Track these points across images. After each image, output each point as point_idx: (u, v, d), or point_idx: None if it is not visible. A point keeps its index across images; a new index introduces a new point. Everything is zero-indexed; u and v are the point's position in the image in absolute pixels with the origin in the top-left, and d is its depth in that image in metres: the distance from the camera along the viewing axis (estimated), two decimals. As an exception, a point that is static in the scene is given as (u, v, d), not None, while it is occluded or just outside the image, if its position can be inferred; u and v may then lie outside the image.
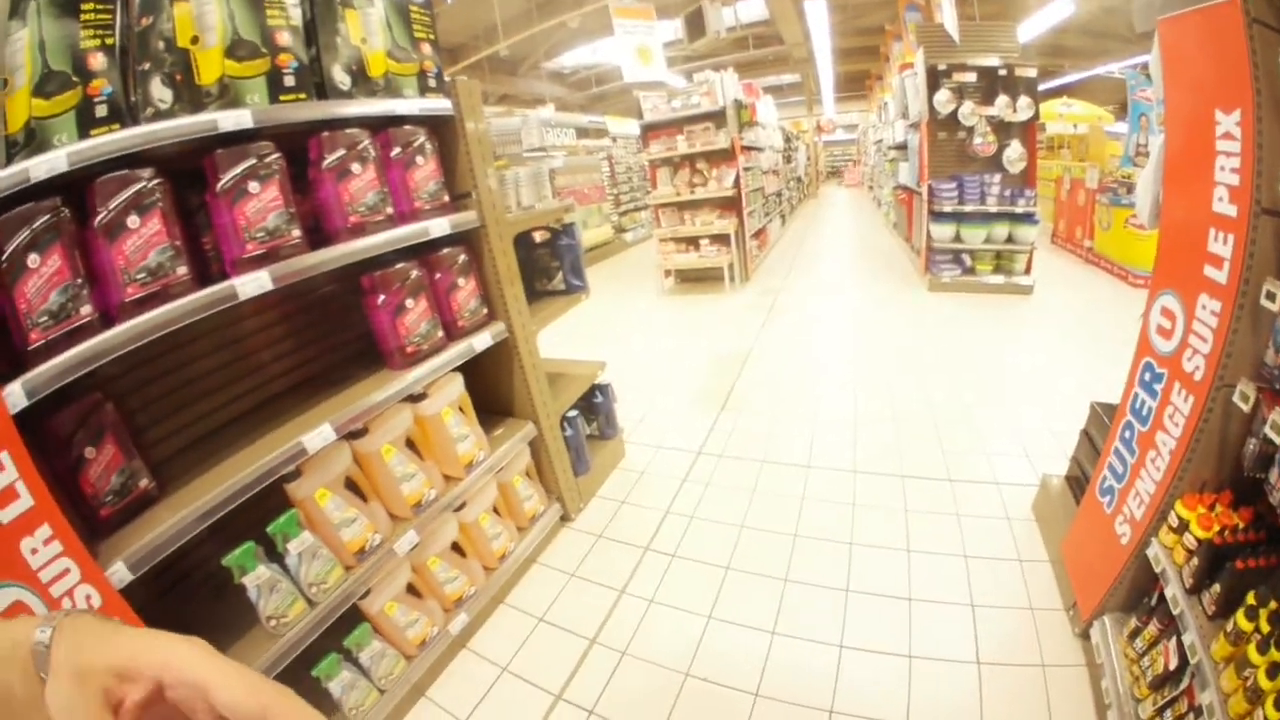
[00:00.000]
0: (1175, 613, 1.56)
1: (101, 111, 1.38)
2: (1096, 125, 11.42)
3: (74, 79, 1.34)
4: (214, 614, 1.82)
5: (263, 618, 1.67)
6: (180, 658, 0.43)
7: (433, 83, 2.18)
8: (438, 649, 2.19)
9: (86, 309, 1.37)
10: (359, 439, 2.00)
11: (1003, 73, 5.89)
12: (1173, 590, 1.58)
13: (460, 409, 2.34)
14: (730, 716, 1.97)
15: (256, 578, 1.63)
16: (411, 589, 2.13)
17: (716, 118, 7.21)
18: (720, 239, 7.47)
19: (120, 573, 1.38)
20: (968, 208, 6.21)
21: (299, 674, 1.75)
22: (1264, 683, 1.18)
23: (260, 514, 1.71)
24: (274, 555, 1.71)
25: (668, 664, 2.18)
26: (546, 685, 2.15)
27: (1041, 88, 6.17)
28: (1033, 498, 2.82)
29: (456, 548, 2.33)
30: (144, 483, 1.57)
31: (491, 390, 2.74)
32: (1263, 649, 1.23)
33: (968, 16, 7.05)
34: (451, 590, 2.28)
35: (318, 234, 1.90)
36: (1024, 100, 5.88)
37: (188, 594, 1.95)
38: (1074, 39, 13.02)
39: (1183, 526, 1.61)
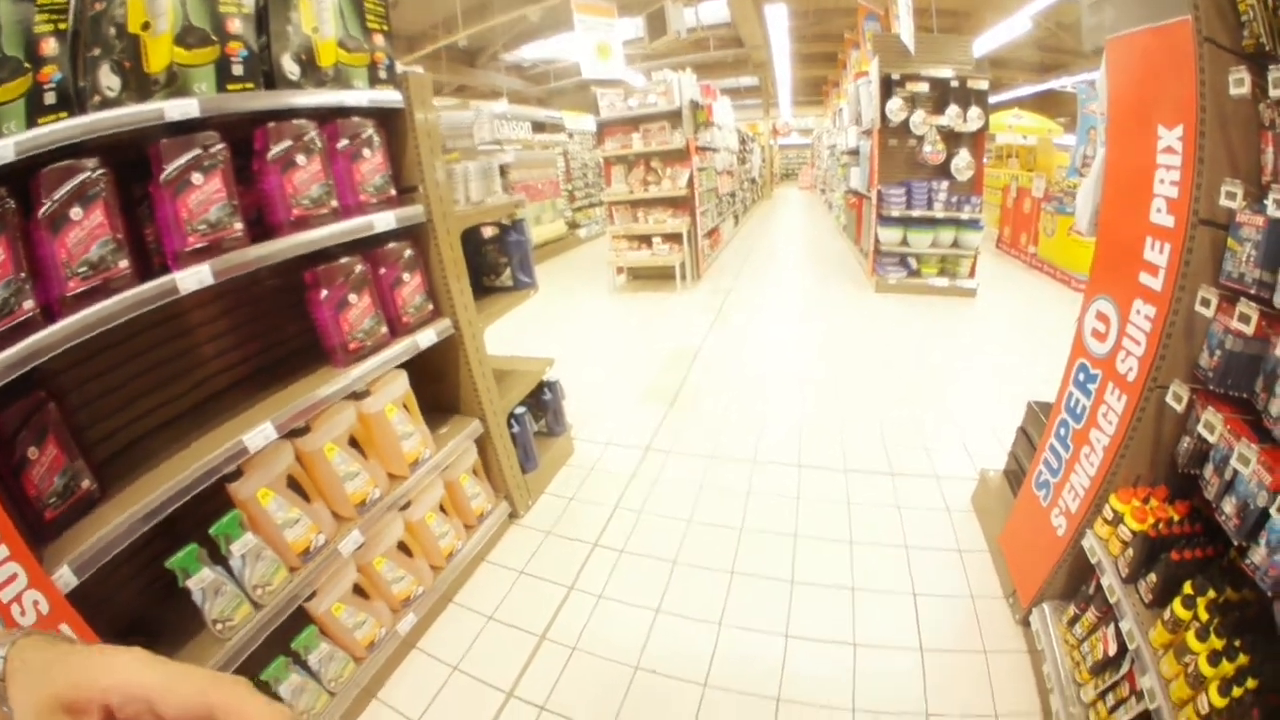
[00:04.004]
0: (1112, 601, 1.64)
1: (50, 99, 1.33)
2: (1045, 137, 11.92)
3: (26, 65, 1.28)
4: (162, 616, 1.77)
5: (209, 621, 1.62)
6: (122, 674, 0.41)
7: (384, 74, 2.14)
8: (387, 650, 2.16)
9: (29, 304, 1.32)
10: (301, 437, 1.95)
11: (955, 84, 6.08)
12: (1109, 580, 1.66)
13: (405, 406, 2.30)
14: (680, 707, 2.00)
15: (201, 580, 1.58)
16: (358, 590, 2.09)
17: (672, 117, 7.26)
18: (673, 237, 7.53)
19: (66, 577, 1.33)
20: (915, 213, 6.41)
21: (249, 678, 1.69)
22: (1205, 669, 1.24)
23: (207, 513, 1.67)
24: (218, 557, 1.67)
25: (617, 658, 2.20)
26: (497, 683, 2.13)
27: (994, 100, 6.39)
28: (972, 491, 2.94)
29: (403, 547, 2.29)
30: (86, 484, 1.51)
31: (437, 387, 2.70)
32: (1202, 636, 1.29)
33: (925, 28, 7.26)
34: (399, 590, 2.24)
35: (260, 227, 1.86)
36: (974, 111, 6.09)
37: (140, 592, 1.88)
38: (1029, 53, 13.52)
39: (1117, 519, 1.69)
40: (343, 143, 2.02)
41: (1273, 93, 1.15)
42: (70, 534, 1.43)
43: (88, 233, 1.40)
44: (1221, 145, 1.40)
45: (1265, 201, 1.17)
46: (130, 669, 0.41)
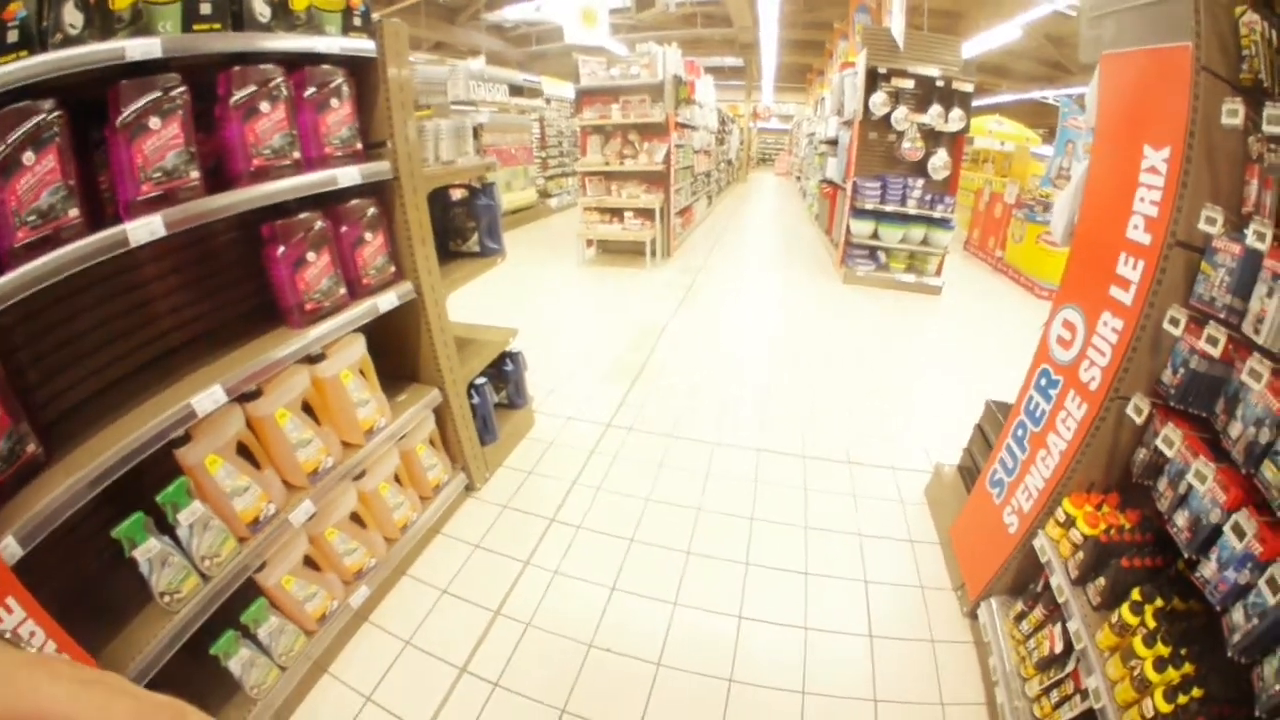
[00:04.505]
0: (1060, 600, 1.68)
1: (13, 37, 1.26)
2: (1023, 145, 12.14)
3: None
4: (111, 588, 1.69)
5: (156, 593, 1.55)
6: (49, 702, 0.35)
7: (358, 21, 2.04)
8: (339, 623, 2.10)
9: None
10: (252, 401, 1.85)
11: (940, 84, 6.10)
12: (1058, 580, 1.71)
13: (361, 372, 2.21)
14: (633, 686, 2.01)
15: (147, 551, 1.51)
16: (309, 561, 2.03)
17: (654, 91, 7.13)
18: (645, 213, 7.45)
19: (11, 548, 1.25)
20: (888, 207, 6.47)
21: (198, 652, 1.66)
22: (1151, 675, 1.28)
23: (156, 480, 1.59)
24: (165, 527, 1.59)
25: (572, 635, 2.19)
26: (451, 658, 2.11)
27: (976, 104, 6.45)
28: (926, 483, 3.00)
29: (356, 518, 2.22)
30: (31, 447, 1.41)
31: (396, 353, 2.62)
32: (1149, 642, 1.34)
33: (916, 26, 7.25)
34: (351, 562, 2.18)
35: (219, 177, 1.75)
36: (956, 112, 6.12)
37: (88, 563, 1.79)
38: (1016, 62, 13.67)
39: (1069, 522, 1.74)
40: (310, 91, 1.91)
41: (1266, 129, 1.15)
42: (14, 502, 1.34)
43: (39, 179, 1.31)
44: (1206, 171, 1.42)
45: (1245, 231, 1.18)
46: (56, 698, 0.36)
